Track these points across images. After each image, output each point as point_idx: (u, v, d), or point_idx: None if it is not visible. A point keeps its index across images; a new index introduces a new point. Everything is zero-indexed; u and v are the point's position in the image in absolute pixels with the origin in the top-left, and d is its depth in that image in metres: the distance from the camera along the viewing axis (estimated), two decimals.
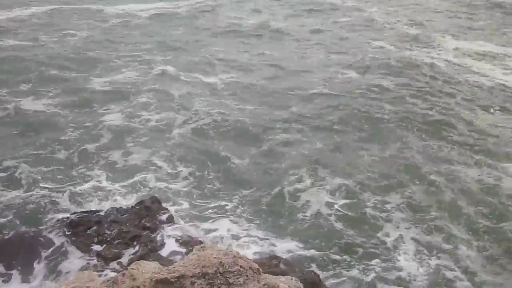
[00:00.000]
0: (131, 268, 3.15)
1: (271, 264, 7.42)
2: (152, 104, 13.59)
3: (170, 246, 7.49)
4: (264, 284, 3.14)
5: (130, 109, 13.23)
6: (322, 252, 7.93)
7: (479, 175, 10.30)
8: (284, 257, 7.50)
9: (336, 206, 9.11)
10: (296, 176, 10.06)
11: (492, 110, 13.72)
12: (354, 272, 7.52)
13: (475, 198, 9.44)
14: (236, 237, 8.12)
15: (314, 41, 21.06)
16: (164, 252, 7.34)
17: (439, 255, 7.88)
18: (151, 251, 7.42)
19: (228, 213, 8.82)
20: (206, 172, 10.22)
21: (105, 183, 9.47)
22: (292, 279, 3.65)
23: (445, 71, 17.13)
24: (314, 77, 16.22)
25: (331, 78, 16.00)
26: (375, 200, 9.30)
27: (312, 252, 7.94)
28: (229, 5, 28.55)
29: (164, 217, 8.06)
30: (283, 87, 15.31)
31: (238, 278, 3.11)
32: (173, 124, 12.44)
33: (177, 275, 3.09)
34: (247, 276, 3.15)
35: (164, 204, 8.47)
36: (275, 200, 9.34)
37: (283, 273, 6.63)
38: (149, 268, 3.17)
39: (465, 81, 16.14)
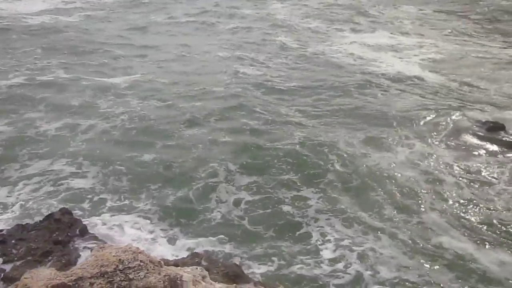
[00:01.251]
0: (24, 278, 3.05)
1: (193, 263, 7.47)
2: (47, 112, 12.69)
3: (86, 257, 7.25)
4: (165, 275, 3.21)
5: (20, 120, 12.18)
6: (243, 250, 7.84)
7: (379, 157, 10.93)
8: (204, 254, 7.58)
9: (250, 205, 9.04)
10: (207, 172, 10.03)
11: (394, 98, 14.74)
12: (278, 268, 7.51)
13: (380, 184, 9.84)
14: (151, 240, 7.98)
15: (216, 39, 21.25)
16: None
17: (360, 244, 8.02)
18: (66, 265, 7.11)
19: (141, 216, 8.59)
20: (114, 175, 9.86)
21: (3, 200, 8.77)
22: (197, 268, 3.75)
23: (346, 64, 18.04)
24: (217, 75, 16.37)
25: (234, 76, 16.18)
26: (291, 195, 9.37)
27: (233, 250, 7.84)
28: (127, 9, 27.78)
29: (76, 228, 7.76)
30: (185, 85, 15.29)
31: (138, 272, 3.16)
32: (74, 130, 11.79)
33: (74, 278, 3.06)
34: (147, 270, 3.20)
35: (75, 213, 8.15)
36: (187, 200, 9.20)
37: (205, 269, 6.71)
38: (44, 275, 3.10)
39: (365, 71, 17.21)
